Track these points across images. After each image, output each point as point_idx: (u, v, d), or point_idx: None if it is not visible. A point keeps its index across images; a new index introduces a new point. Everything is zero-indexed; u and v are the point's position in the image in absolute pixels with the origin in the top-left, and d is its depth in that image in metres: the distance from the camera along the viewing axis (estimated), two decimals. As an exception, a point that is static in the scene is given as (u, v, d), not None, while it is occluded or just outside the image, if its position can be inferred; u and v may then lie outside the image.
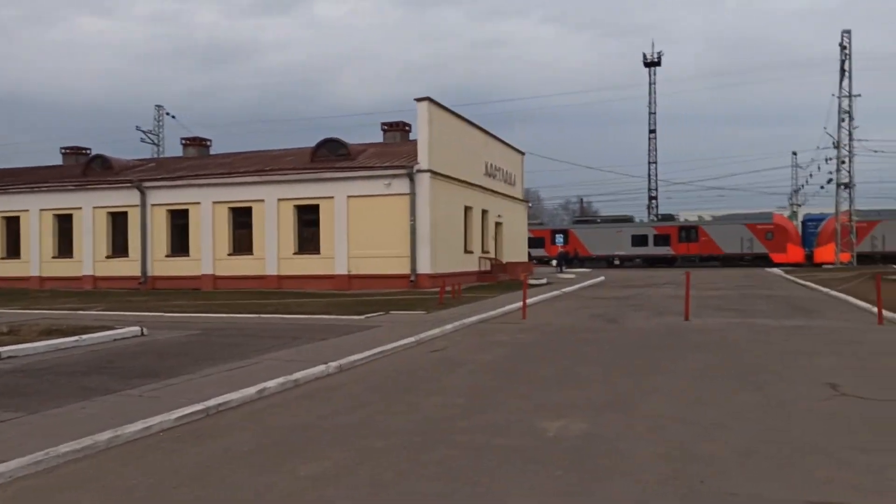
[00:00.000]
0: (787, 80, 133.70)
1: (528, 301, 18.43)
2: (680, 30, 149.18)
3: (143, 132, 54.86)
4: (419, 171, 22.87)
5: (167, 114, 57.49)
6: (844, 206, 41.02)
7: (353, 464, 4.95)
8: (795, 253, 47.89)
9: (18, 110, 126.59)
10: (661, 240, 51.17)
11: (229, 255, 25.82)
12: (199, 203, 25.98)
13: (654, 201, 68.91)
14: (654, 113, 69.23)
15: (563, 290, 23.37)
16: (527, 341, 11.36)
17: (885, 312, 12.96)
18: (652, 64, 69.02)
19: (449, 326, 12.92)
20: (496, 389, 7.44)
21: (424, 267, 22.91)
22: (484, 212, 28.95)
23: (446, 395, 7.19)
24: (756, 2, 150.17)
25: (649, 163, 69.51)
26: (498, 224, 31.08)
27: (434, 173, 23.15)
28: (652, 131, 69.44)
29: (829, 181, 44.15)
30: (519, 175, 35.23)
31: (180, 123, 71.49)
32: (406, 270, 23.12)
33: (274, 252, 24.92)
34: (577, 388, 7.40)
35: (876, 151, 39.60)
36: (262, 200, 25.08)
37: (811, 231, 51.43)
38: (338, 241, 24.03)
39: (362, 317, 14.57)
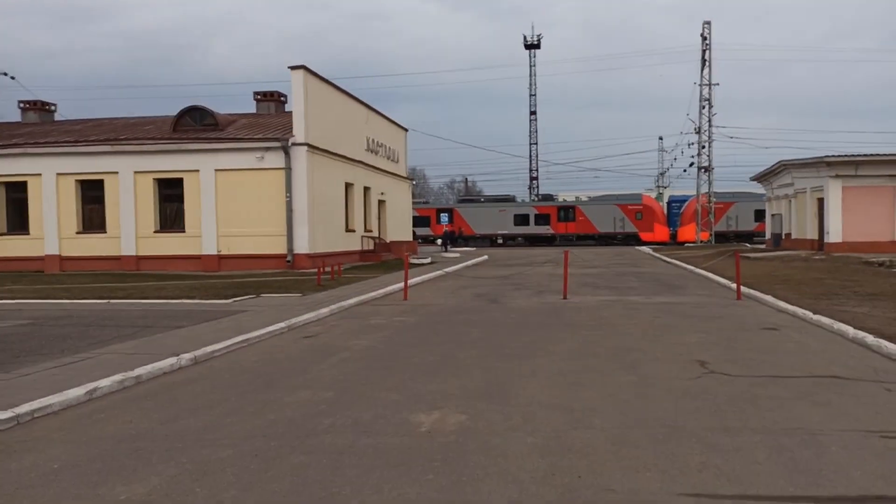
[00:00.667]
0: (656, 68, 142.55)
1: (411, 281, 17.99)
2: (556, 14, 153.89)
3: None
4: (295, 144, 21.57)
5: (4, 74, 50.92)
6: (704, 189, 44.14)
7: (189, 481, 4.16)
8: (661, 232, 51.13)
9: None
10: (542, 219, 52.74)
11: (78, 233, 23.18)
12: (39, 175, 23.03)
13: (535, 182, 71.06)
14: (535, 95, 71.06)
15: (447, 269, 23.16)
16: (407, 324, 10.85)
17: (742, 288, 13.73)
18: (532, 46, 70.62)
19: (325, 310, 12.14)
20: (369, 380, 6.84)
21: (302, 246, 21.77)
22: (366, 189, 28.08)
23: (313, 389, 6.49)
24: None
25: (530, 144, 71.47)
26: (381, 202, 30.33)
27: (311, 147, 21.95)
28: (532, 113, 71.27)
29: (691, 164, 47.35)
30: (402, 152, 34.58)
31: (21, 86, 63.35)
32: (282, 250, 21.86)
33: (131, 230, 22.66)
34: (455, 376, 6.97)
35: (732, 137, 43.02)
36: (116, 173, 22.66)
37: (675, 211, 55.15)
38: (205, 219, 22.24)
39: (229, 301, 13.42)
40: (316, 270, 19.47)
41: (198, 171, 22.28)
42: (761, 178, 34.12)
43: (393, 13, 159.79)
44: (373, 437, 4.92)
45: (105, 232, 23.02)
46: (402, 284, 15.80)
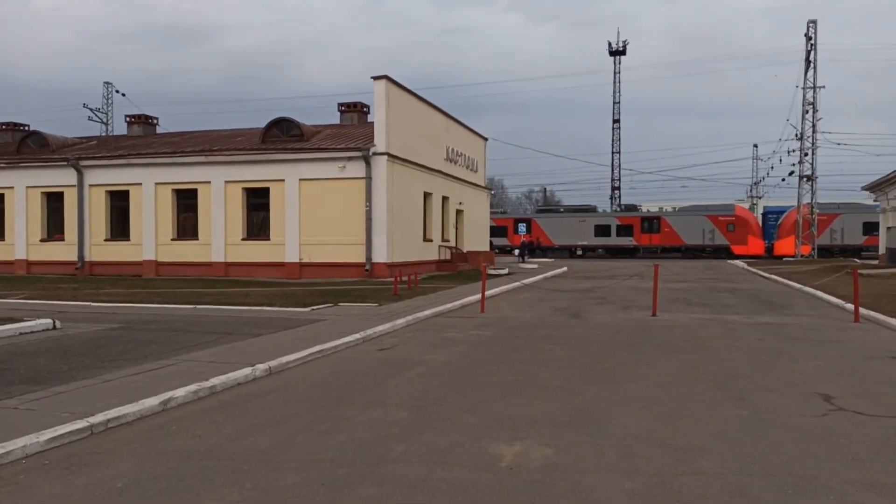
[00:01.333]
0: (747, 74, 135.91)
1: (488, 293, 17.51)
2: (643, 23, 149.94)
3: (91, 110, 52.07)
4: (375, 153, 21.63)
5: (116, 91, 54.73)
6: (806, 199, 41.22)
7: (251, 510, 3.85)
8: (756, 245, 48.18)
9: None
10: (624, 230, 50.95)
11: (173, 240, 24.20)
12: (140, 184, 24.27)
13: (616, 192, 68.88)
14: (619, 103, 69.00)
15: (525, 280, 22.51)
16: (484, 338, 10.38)
17: (860, 310, 12.38)
18: (617, 53, 68.71)
19: (401, 321, 11.86)
20: (445, 399, 6.42)
21: (380, 255, 21.76)
22: (444, 198, 27.89)
23: (386, 408, 6.13)
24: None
25: (613, 153, 69.38)
26: (459, 212, 30.06)
27: (391, 156, 21.95)
28: (616, 121, 69.24)
29: (791, 173, 44.36)
30: (482, 161, 34.24)
31: (131, 102, 68.02)
32: (361, 259, 21.93)
33: (221, 237, 23.42)
34: (537, 398, 6.43)
35: (839, 144, 39.81)
36: (209, 182, 23.52)
37: (771, 223, 51.87)
38: (289, 227, 22.67)
39: (307, 309, 13.39)
40: (393, 280, 19.37)
41: (283, 180, 22.77)
42: (875, 187, 31.36)
43: (476, 27, 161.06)
44: (448, 470, 4.47)
45: (197, 239, 23.92)
46: (478, 296, 15.35)
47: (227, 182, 23.32)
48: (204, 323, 11.45)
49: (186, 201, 24.14)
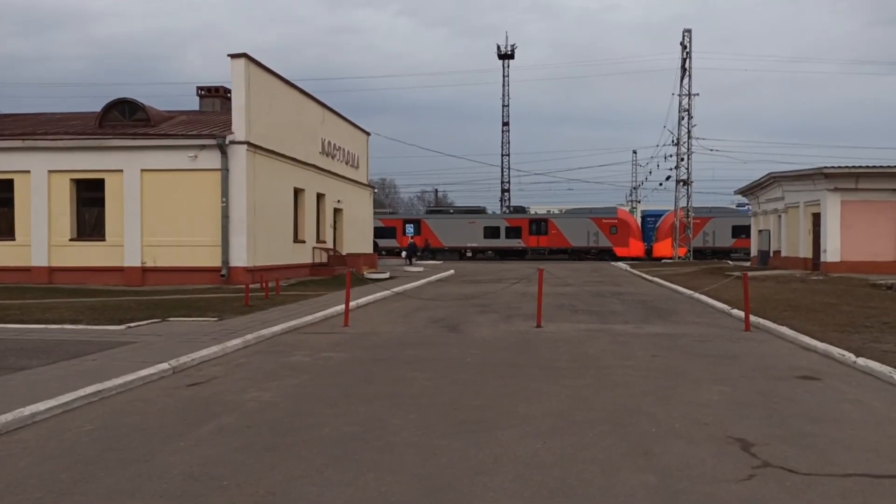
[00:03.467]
0: (625, 85, 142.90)
1: (361, 301, 15.50)
2: (528, 34, 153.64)
3: None
4: (233, 142, 18.92)
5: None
6: (683, 202, 42.50)
7: None
8: (637, 247, 49.39)
9: None
10: (513, 232, 50.61)
11: (-18, 240, 20.12)
12: (-64, 173, 19.97)
13: (506, 193, 69.03)
14: (508, 106, 69.25)
15: (406, 286, 20.65)
16: (335, 363, 8.32)
17: (752, 317, 11.52)
18: (506, 56, 68.94)
19: (237, 341, 9.54)
20: (236, 479, 4.31)
21: (239, 258, 19.06)
22: (320, 195, 25.47)
23: (140, 500, 3.94)
24: (595, 14, 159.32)
25: (502, 155, 69.50)
26: (337, 210, 27.73)
27: (252, 146, 19.32)
28: (505, 124, 69.43)
29: (668, 178, 45.81)
30: (364, 157, 32.06)
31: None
32: (217, 262, 19.11)
33: (43, 237, 19.70)
34: (375, 467, 4.49)
35: (712, 150, 41.42)
36: (28, 172, 19.71)
37: (650, 226, 53.58)
38: (129, 226, 19.40)
39: (122, 327, 10.71)
40: (257, 286, 16.85)
41: (121, 171, 19.47)
42: (747, 191, 32.45)
43: (366, 27, 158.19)
44: None
45: (13, 239, 20.00)
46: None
47: (51, 172, 19.64)
48: (-41, 351, 8.55)
49: (1, 195, 20.12)
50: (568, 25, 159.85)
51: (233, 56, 19.15)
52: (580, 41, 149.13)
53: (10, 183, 19.97)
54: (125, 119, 21.16)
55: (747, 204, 55.58)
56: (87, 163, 19.62)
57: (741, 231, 48.82)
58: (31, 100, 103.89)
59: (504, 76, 68.72)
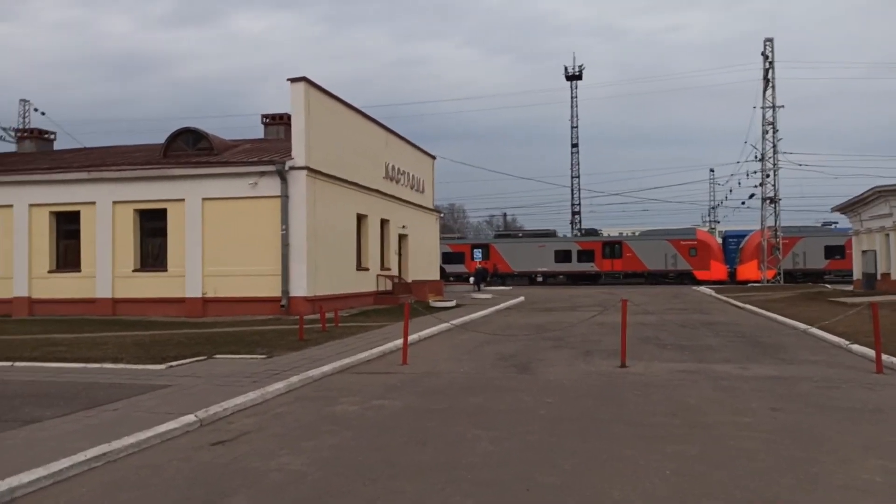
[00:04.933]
0: (690, 105, 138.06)
1: (425, 333, 14.37)
2: (591, 56, 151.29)
3: (2, 129, 47.30)
4: (293, 167, 18.35)
5: (35, 109, 50.26)
6: (770, 222, 39.36)
7: None
8: (719, 270, 46.22)
9: None
10: (585, 256, 48.49)
11: (50, 272, 20.33)
12: (11, 206, 20.38)
13: (577, 216, 66.89)
14: (576, 127, 67.41)
15: (472, 315, 19.36)
16: (385, 415, 7.11)
17: (883, 356, 9.53)
18: (573, 77, 67.35)
19: (279, 385, 8.50)
20: None
21: (299, 288, 18.33)
22: (384, 221, 24.67)
23: None
24: (659, 34, 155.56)
25: (572, 177, 67.59)
26: (402, 236, 26.87)
27: (312, 171, 18.70)
28: (574, 145, 67.55)
29: (752, 196, 42.71)
30: (429, 181, 31.23)
31: (51, 121, 62.48)
32: (277, 292, 18.46)
33: (108, 269, 19.67)
34: None
35: (801, 165, 38.16)
36: (94, 203, 19.82)
37: (733, 247, 50.20)
38: (190, 256, 19.09)
39: (163, 366, 9.92)
40: (317, 316, 16.02)
41: (183, 200, 19.26)
42: (847, 208, 29.41)
43: (431, 58, 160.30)
44: None
45: (80, 271, 20.09)
46: (410, 338, 12.15)
47: (115, 203, 19.66)
48: (-16, 396, 7.89)
49: (67, 226, 20.36)
50: (632, 47, 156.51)
51: (292, 80, 18.70)
52: (645, 62, 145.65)
53: (76, 215, 20.14)
54: (189, 148, 21.08)
55: (834, 223, 51.43)
56: (150, 193, 19.55)
57: (835, 252, 44.87)
58: (119, 135, 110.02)
59: (572, 97, 67.11)
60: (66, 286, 19.99)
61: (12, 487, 4.70)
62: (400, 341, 11.91)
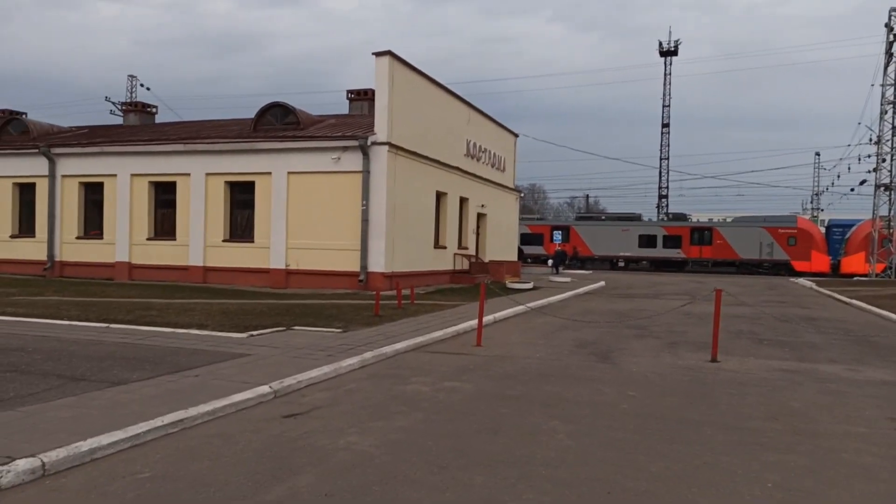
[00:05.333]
0: (796, 85, 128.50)
1: (500, 314, 14.06)
2: (685, 31, 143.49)
3: (112, 104, 50.38)
4: (375, 143, 18.33)
5: (141, 85, 53.18)
6: (883, 211, 36.18)
7: None
8: (820, 261, 43.10)
9: (23, 88, 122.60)
10: (672, 241, 46.46)
11: (149, 239, 21.40)
12: (115, 175, 21.56)
13: (664, 200, 64.19)
14: (668, 106, 64.39)
15: (550, 299, 18.84)
16: (457, 399, 6.87)
17: None
18: (668, 53, 64.12)
19: (353, 360, 8.44)
20: None
21: (377, 264, 18.41)
22: (463, 200, 24.41)
23: None
24: (759, 7, 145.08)
25: (661, 158, 64.79)
26: (481, 215, 26.54)
27: (394, 147, 18.62)
28: (665, 125, 64.64)
29: (863, 182, 39.39)
30: (511, 160, 30.63)
31: (156, 97, 66.26)
32: (356, 267, 18.63)
33: (200, 238, 20.47)
34: None
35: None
36: (188, 175, 20.62)
37: (837, 238, 46.70)
38: (275, 228, 19.56)
39: (244, 335, 10.12)
40: (393, 292, 16.05)
41: (270, 173, 19.70)
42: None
43: (517, 35, 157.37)
44: None
45: (175, 239, 21.04)
46: (485, 319, 11.89)
47: (208, 174, 20.38)
48: (78, 354, 8.26)
49: (164, 196, 21.31)
50: (732, 21, 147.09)
51: (377, 54, 18.60)
52: (746, 38, 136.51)
53: (173, 185, 21.04)
54: (277, 123, 21.50)
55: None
56: (240, 165, 20.11)
57: (958, 246, 40.76)
58: (215, 112, 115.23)
59: (666, 74, 64.04)
60: (162, 253, 21.00)
61: (93, 448, 4.78)
62: (474, 322, 11.64)
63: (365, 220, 18.36)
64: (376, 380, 7.75)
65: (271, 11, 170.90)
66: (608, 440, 5.46)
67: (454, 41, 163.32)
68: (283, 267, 19.46)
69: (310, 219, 19.19)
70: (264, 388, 6.78)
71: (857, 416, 6.36)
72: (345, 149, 18.70)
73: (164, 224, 21.51)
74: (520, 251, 39.28)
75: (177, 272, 20.72)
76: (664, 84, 64.24)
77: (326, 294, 17.53)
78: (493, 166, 27.71)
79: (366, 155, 18.34)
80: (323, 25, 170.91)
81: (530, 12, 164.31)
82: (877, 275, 36.81)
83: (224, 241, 20.43)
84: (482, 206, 26.23)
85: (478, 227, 26.36)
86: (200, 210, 20.50)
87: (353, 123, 21.53)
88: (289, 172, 19.41)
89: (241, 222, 20.57)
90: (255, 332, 10.33)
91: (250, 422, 5.86)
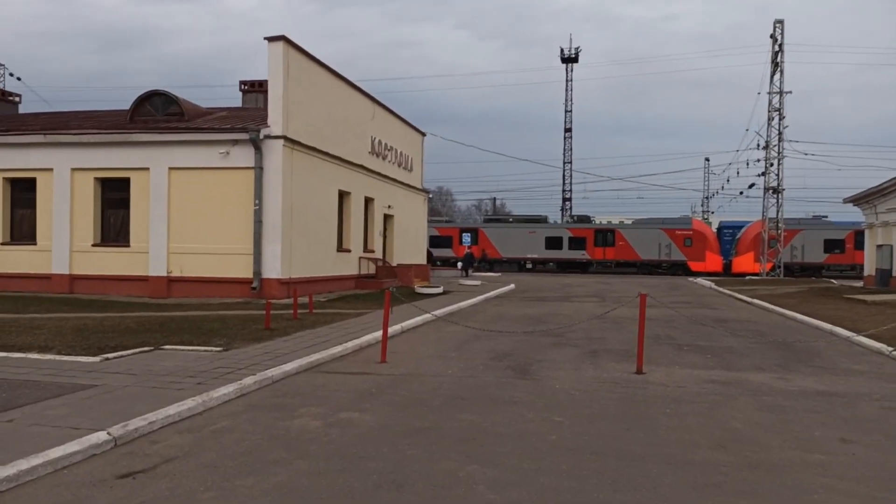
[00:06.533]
0: (684, 96, 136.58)
1: (408, 323, 12.86)
2: (583, 43, 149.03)
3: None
4: (268, 136, 16.63)
5: (10, 74, 47.80)
6: (772, 213, 38.10)
7: None
8: (714, 261, 45.09)
9: None
10: (577, 243, 47.14)
11: (3, 244, 18.53)
12: (-41, 171, 18.52)
13: (568, 203, 65.52)
14: (570, 111, 65.78)
15: (461, 304, 17.87)
16: (352, 437, 5.59)
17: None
18: (569, 60, 65.68)
19: (227, 389, 6.95)
20: None
21: (273, 269, 16.71)
22: (368, 200, 23.03)
23: None
24: (649, 23, 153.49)
25: (564, 162, 66.11)
26: (388, 216, 25.25)
27: (290, 141, 17.00)
28: (568, 130, 66.00)
29: (752, 185, 41.47)
30: (419, 160, 29.54)
31: (28, 87, 59.94)
32: (249, 273, 16.83)
33: (65, 242, 17.92)
34: None
35: (807, 154, 36.89)
36: (51, 170, 17.99)
37: (728, 238, 49.10)
38: (154, 230, 17.38)
39: (97, 358, 8.35)
40: (290, 303, 14.49)
41: (148, 169, 17.49)
42: (861, 199, 28.07)
43: (422, 41, 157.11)
44: None
45: (35, 244, 18.31)
46: (392, 328, 10.67)
47: (74, 170, 17.86)
48: None
49: (22, 194, 18.54)
50: (625, 35, 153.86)
51: (270, 39, 16.91)
52: (639, 50, 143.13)
53: (31, 182, 18.33)
54: (158, 113, 19.26)
55: (824, 216, 50.27)
56: (113, 160, 17.77)
57: (834, 246, 43.93)
58: (101, 106, 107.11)
59: (567, 80, 65.46)
60: (18, 260, 18.22)
61: None
62: (379, 333, 10.34)
63: (258, 222, 16.61)
64: (256, 413, 6.33)
65: (164, 7, 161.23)
66: (539, 491, 4.37)
67: (358, 44, 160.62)
68: (164, 274, 17.31)
69: (195, 220, 17.18)
70: (100, 436, 5.21)
71: (808, 439, 5.65)
72: (235, 142, 16.86)
73: (21, 226, 18.71)
74: (429, 254, 38.34)
75: (37, 281, 18.02)
76: (566, 90, 65.63)
77: (213, 304, 15.66)
78: (400, 165, 26.49)
79: (258, 150, 16.60)
80: (222, 22, 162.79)
81: (434, 19, 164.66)
82: (767, 273, 38.75)
83: (94, 245, 17.97)
84: (389, 206, 24.94)
85: (385, 229, 25.05)
86: (65, 210, 17.93)
87: (245, 116, 19.64)
88: (170, 168, 17.30)
89: (114, 224, 18.18)
90: (111, 355, 8.56)
91: (69, 488, 4.33)
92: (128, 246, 17.77)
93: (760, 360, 9.76)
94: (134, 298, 16.87)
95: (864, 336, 11.42)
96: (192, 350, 9.20)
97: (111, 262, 17.80)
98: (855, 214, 51.09)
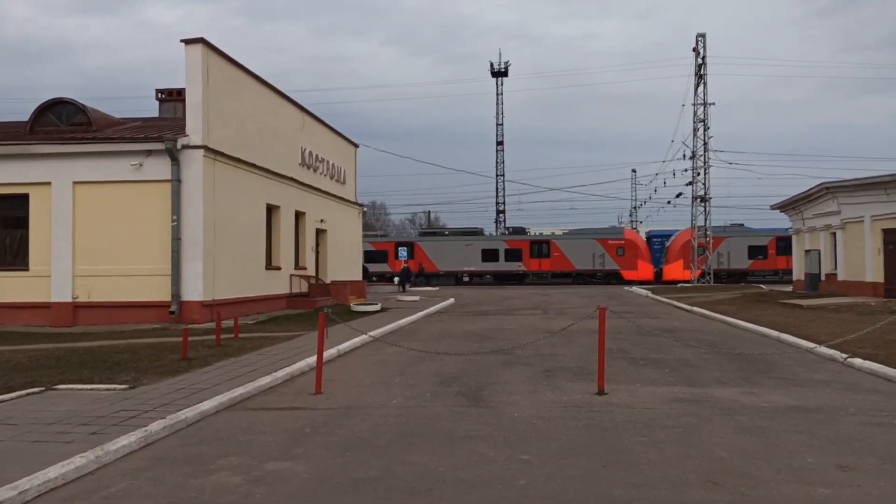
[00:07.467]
0: (608, 111, 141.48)
1: (344, 346, 11.84)
2: (513, 61, 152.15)
3: None
4: (187, 146, 15.29)
5: None
6: (700, 221, 39.06)
7: None
8: (646, 270, 45.93)
9: None
10: (513, 255, 47.03)
11: None
12: None
13: (502, 215, 65.70)
14: (502, 125, 66.22)
15: (400, 322, 16.93)
16: (284, 496, 4.59)
17: (874, 366, 7.90)
18: (499, 74, 66.26)
19: (129, 439, 5.79)
20: None
21: (194, 291, 15.29)
22: (299, 214, 21.81)
23: None
24: (572, 41, 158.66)
25: (497, 175, 66.36)
26: (320, 231, 24.05)
27: (212, 151, 15.71)
28: (500, 143, 66.32)
29: (679, 195, 42.58)
30: (352, 172, 28.47)
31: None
32: (167, 296, 15.34)
33: (-50, 267, 15.87)
34: None
35: (731, 164, 38.16)
36: (-68, 187, 15.96)
37: (657, 247, 50.18)
38: (57, 252, 15.64)
39: (-32, 407, 6.93)
40: (212, 325, 13.14)
41: (49, 183, 15.76)
42: (788, 206, 28.93)
43: (352, 56, 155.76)
44: None
45: (-85, 270, 16.15)
46: (326, 353, 9.63)
47: (-39, 186, 15.89)
48: None
49: None
50: (551, 51, 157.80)
51: (187, 42, 15.60)
52: (565, 67, 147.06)
53: (-89, 200, 16.19)
54: (62, 123, 17.51)
55: (741, 224, 52.47)
56: (8, 174, 15.95)
57: (758, 252, 45.59)
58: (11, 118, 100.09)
59: (498, 94, 65.96)
60: None
61: None
62: (313, 358, 9.29)
63: (177, 239, 15.18)
64: (162, 469, 5.21)
65: (81, 19, 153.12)
66: (519, 561, 3.52)
67: (288, 58, 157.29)
68: (69, 300, 15.57)
69: (105, 239, 15.56)
70: (-53, 519, 4.02)
71: (803, 468, 5.06)
72: (149, 153, 15.41)
73: None
74: (364, 269, 37.15)
75: (-83, 312, 15.86)
76: (497, 103, 66.11)
77: (125, 332, 14.10)
78: (332, 178, 25.37)
79: (175, 161, 15.21)
80: (143, 35, 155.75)
81: (363, 35, 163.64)
82: (697, 280, 39.65)
83: (-14, 269, 16.01)
84: (322, 220, 23.76)
85: (317, 244, 23.83)
86: (-49, 231, 15.90)
87: (162, 126, 18.16)
88: (75, 182, 15.65)
89: (10, 245, 16.27)
90: (-11, 401, 7.18)
91: None
92: (26, 269, 15.93)
93: (720, 373, 9.32)
94: (34, 328, 15.06)
95: (804, 339, 11.22)
96: (91, 389, 7.89)
97: (7, 287, 15.89)
98: (772, 221, 53.58)
